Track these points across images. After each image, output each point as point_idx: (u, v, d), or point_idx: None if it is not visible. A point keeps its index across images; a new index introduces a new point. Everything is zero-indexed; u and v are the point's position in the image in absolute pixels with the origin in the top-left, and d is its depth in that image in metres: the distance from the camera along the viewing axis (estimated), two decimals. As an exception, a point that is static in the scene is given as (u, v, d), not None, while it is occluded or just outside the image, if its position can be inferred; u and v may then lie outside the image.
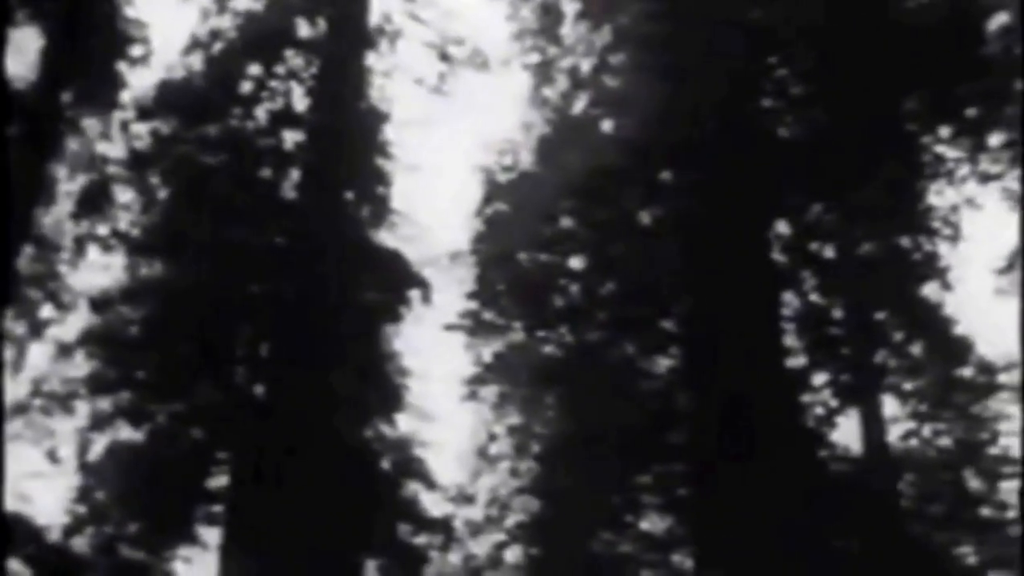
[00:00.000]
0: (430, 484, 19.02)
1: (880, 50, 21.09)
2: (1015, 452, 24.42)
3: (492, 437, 21.62)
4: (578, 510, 19.91)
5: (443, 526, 19.08)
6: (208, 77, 17.88)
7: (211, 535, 17.06)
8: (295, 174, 18.57)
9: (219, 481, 17.20)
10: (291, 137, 18.86)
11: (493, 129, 22.24)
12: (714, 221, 19.72)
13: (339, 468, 17.73)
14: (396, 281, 18.22)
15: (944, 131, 22.83)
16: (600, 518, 20.23)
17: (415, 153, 20.11)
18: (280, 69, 18.67)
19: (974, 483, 24.12)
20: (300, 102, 19.26)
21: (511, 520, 20.95)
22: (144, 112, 17.59)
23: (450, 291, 20.26)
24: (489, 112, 22.77)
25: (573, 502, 19.88)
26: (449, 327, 20.63)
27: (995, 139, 23.94)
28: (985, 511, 23.85)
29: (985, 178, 24.37)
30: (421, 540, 18.82)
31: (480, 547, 20.66)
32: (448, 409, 20.75)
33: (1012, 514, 24.55)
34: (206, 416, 16.59)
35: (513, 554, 20.75)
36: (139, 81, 17.82)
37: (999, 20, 22.47)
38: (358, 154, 18.79)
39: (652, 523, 20.79)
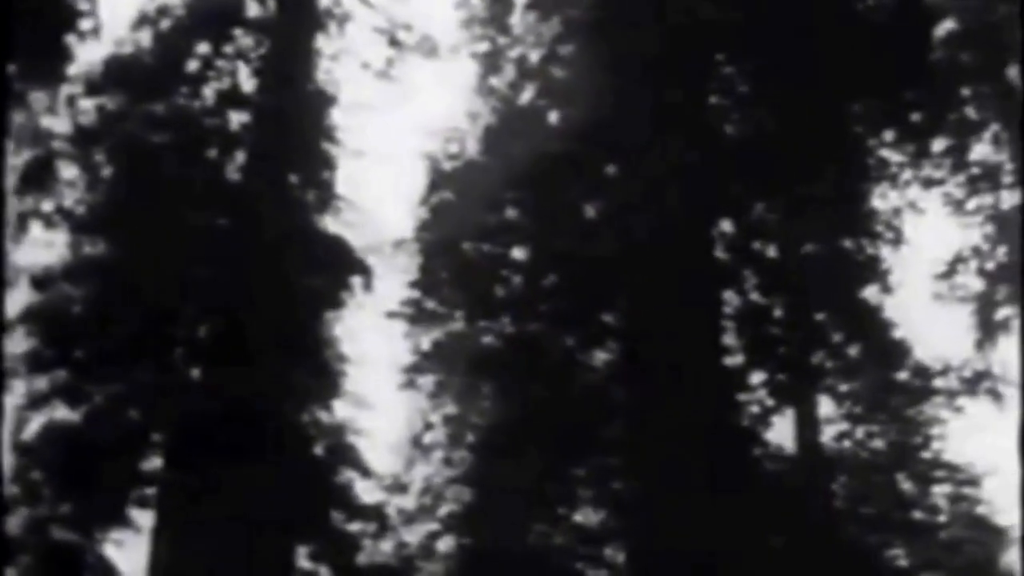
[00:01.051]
0: (364, 472, 19.39)
1: (828, 51, 22.00)
2: (947, 456, 25.13)
3: (428, 426, 22.28)
4: (512, 501, 20.47)
5: (376, 514, 19.58)
6: (156, 54, 18.42)
7: (144, 518, 17.64)
8: (241, 155, 18.99)
9: (153, 463, 17.80)
10: (237, 118, 19.22)
11: (440, 117, 22.87)
12: (658, 216, 20.58)
13: (273, 453, 18.36)
14: (338, 267, 18.80)
15: (889, 135, 23.89)
16: (534, 510, 20.89)
17: (361, 138, 20.50)
18: (228, 48, 19.02)
19: (906, 486, 25.06)
20: (247, 82, 19.59)
21: (444, 510, 21.67)
22: (91, 87, 17.99)
23: (392, 279, 20.79)
24: (436, 100, 23.44)
25: (507, 493, 20.44)
26: (390, 314, 21.34)
27: (938, 145, 25.10)
28: (917, 514, 24.84)
29: (928, 183, 25.36)
30: (354, 527, 19.24)
31: (413, 536, 21.26)
32: (385, 397, 21.37)
33: (943, 518, 25.75)
34: (143, 398, 17.17)
35: (446, 544, 21.48)
36: (87, 55, 18.37)
37: (945, 27, 23.74)
38: (304, 137, 19.32)
39: (586, 516, 21.47)
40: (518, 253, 22.10)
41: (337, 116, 20.60)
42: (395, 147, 21.32)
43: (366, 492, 19.61)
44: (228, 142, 18.62)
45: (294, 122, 19.47)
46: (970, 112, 24.85)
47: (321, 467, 18.92)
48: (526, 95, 23.07)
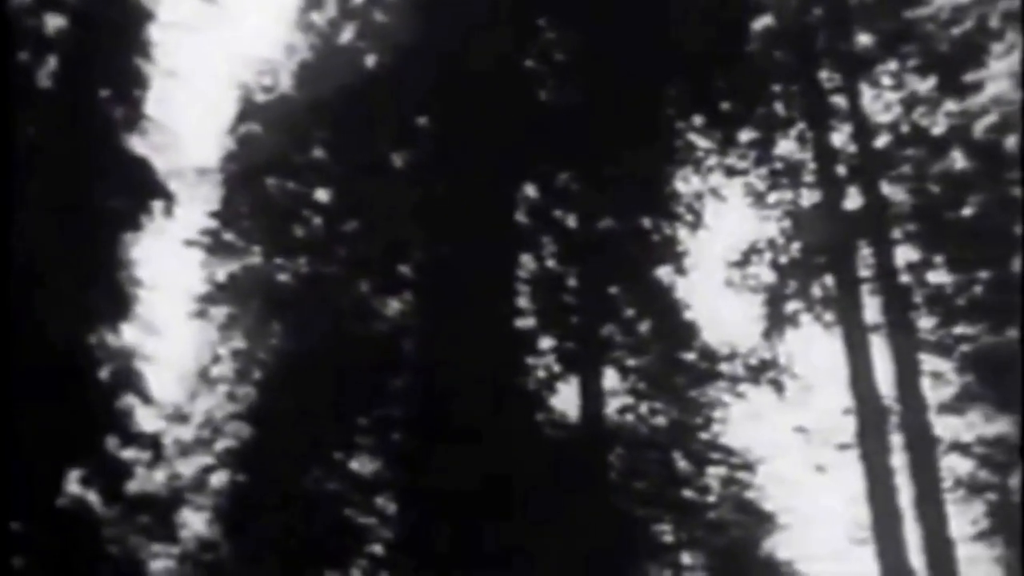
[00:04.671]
0: (146, 399, 21.02)
1: (648, 29, 24.11)
2: (725, 440, 27.69)
3: (215, 358, 23.46)
4: (290, 443, 22.04)
5: (152, 443, 21.10)
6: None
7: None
8: (53, 62, 20.08)
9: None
10: (54, 22, 20.17)
11: (257, 46, 24.71)
12: (463, 172, 22.37)
13: (53, 373, 19.38)
14: (140, 189, 20.61)
15: (698, 120, 26.49)
16: (311, 453, 22.41)
17: (175, 58, 21.67)
18: (50, -48, 20.50)
19: (682, 465, 27.42)
20: (67, -13, 20.23)
21: (222, 444, 22.87)
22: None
23: (194, 206, 22.39)
24: (255, 28, 25.16)
25: (286, 434, 22.03)
26: (188, 243, 22.88)
27: (745, 136, 27.68)
28: (688, 493, 27.30)
29: (731, 172, 28.06)
30: (128, 454, 20.75)
31: (187, 468, 22.46)
32: (176, 325, 22.81)
33: (713, 499, 28.49)
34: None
35: (219, 479, 22.63)
36: None
37: (763, 22, 27.02)
38: (118, 51, 20.92)
39: (362, 464, 23.07)
40: (321, 194, 23.78)
41: (153, 32, 21.75)
42: (209, 72, 23.08)
43: (146, 419, 21.17)
44: (42, 46, 19.87)
45: (109, 33, 20.82)
46: (779, 108, 27.80)
47: (102, 391, 20.32)
48: (345, 35, 24.60)
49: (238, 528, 22.25)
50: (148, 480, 21.57)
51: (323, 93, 23.92)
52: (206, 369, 23.59)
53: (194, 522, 22.52)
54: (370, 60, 24.23)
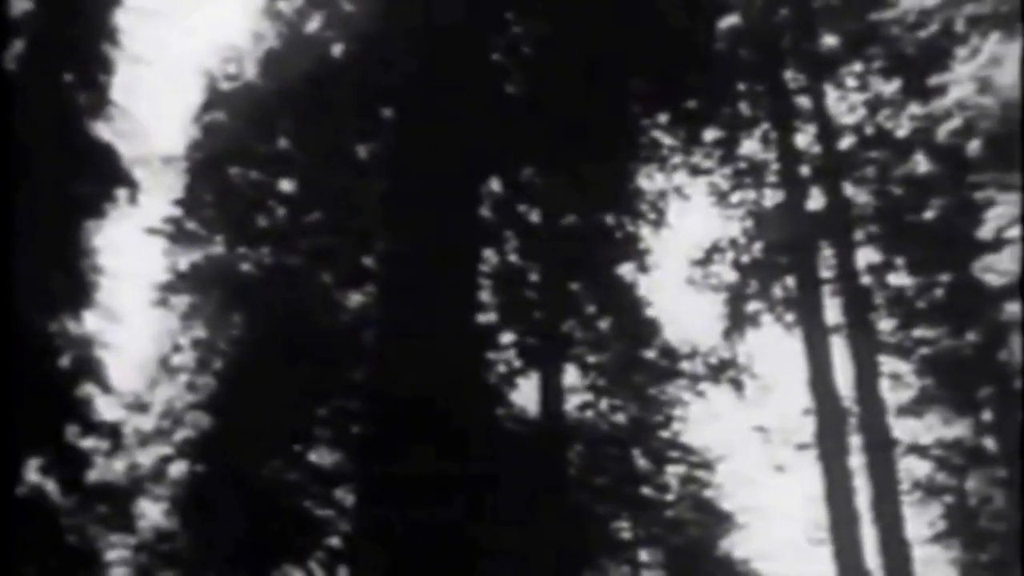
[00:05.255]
0: (106, 387, 21.20)
1: (616, 25, 24.64)
2: (684, 438, 28.25)
3: (176, 347, 23.56)
4: (249, 434, 22.17)
5: (112, 432, 21.32)
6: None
7: None
8: (19, 45, 20.16)
9: None
10: (20, 5, 20.20)
11: (224, 34, 24.94)
12: (427, 165, 22.78)
13: (12, 359, 20.24)
14: (105, 176, 20.95)
15: (663, 118, 26.74)
16: (271, 444, 22.50)
17: (142, 45, 21.77)
18: (18, -65, 20.71)
19: (641, 462, 27.88)
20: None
21: (182, 434, 22.98)
22: None
23: (158, 194, 22.45)
24: (223, 15, 25.47)
25: (246, 425, 22.15)
26: (151, 231, 22.93)
27: (710, 135, 28.25)
28: (647, 490, 27.79)
29: (696, 171, 28.59)
30: (88, 443, 20.94)
31: (147, 457, 22.59)
32: (138, 313, 23.08)
33: (671, 497, 28.47)
34: None
35: (178, 469, 22.75)
36: None
37: (730, 21, 27.58)
38: (84, 35, 21.04)
39: (321, 456, 23.15)
40: (285, 184, 23.89)
41: (120, 18, 21.86)
42: (176, 59, 23.35)
43: (106, 408, 21.35)
44: (7, 28, 19.72)
45: (75, 18, 21.18)
46: (744, 108, 28.41)
47: (62, 378, 20.46)
48: (313, 24, 24.51)
49: (196, 519, 22.35)
50: (107, 469, 21.76)
51: (289, 82, 24.01)
52: (167, 358, 23.72)
53: (152, 512, 22.69)
54: (337, 50, 24.23)
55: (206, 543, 22.23)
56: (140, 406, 23.26)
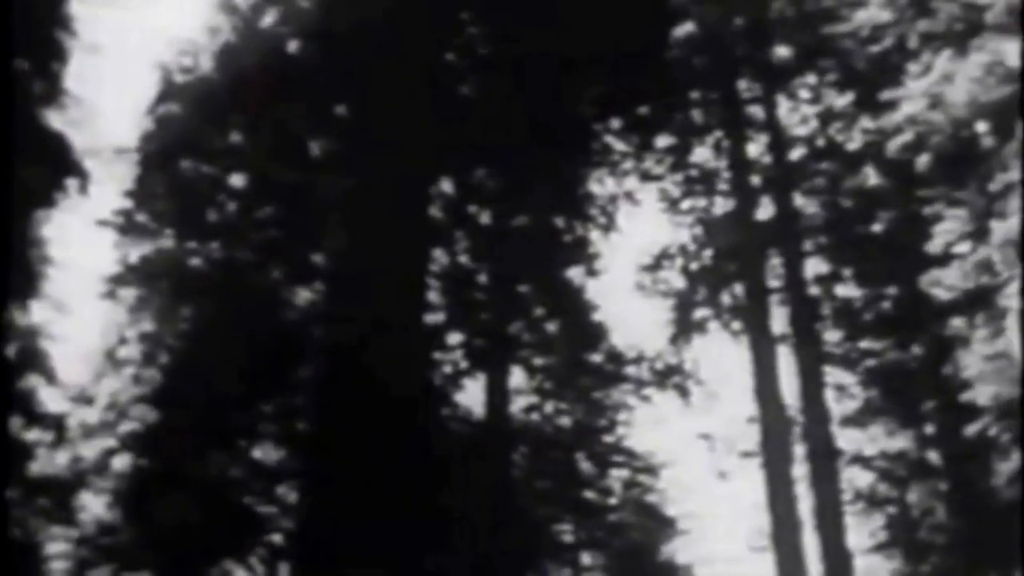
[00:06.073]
0: (51, 379, 21.23)
1: (571, 29, 24.63)
2: (628, 443, 28.83)
3: (123, 340, 23.49)
4: (194, 428, 22.31)
5: (56, 424, 21.36)
6: None
7: None
8: None
9: None
10: None
11: (180, 25, 25.07)
12: (379, 164, 22.64)
13: None
14: (56, 165, 21.05)
15: (616, 123, 27.15)
16: (215, 439, 22.76)
17: (97, 33, 21.45)
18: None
19: (585, 466, 28.50)
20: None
21: (126, 427, 22.90)
22: None
23: (110, 186, 22.69)
24: (179, 8, 25.58)
25: (190, 419, 22.30)
26: (101, 222, 23.18)
27: (662, 141, 28.73)
28: (590, 494, 28.38)
29: (646, 176, 29.09)
30: (31, 435, 20.94)
31: (90, 451, 22.50)
32: (85, 305, 22.95)
33: (614, 501, 28.77)
34: None
35: (121, 462, 22.71)
36: None
37: (685, 29, 28.14)
38: (38, 22, 20.40)
39: (265, 452, 23.43)
40: (237, 180, 24.13)
41: (75, 5, 21.53)
42: (131, 49, 23.49)
43: (51, 400, 21.38)
44: None
45: (29, 4, 20.45)
46: (696, 115, 29.03)
47: (6, 369, 20.10)
48: (268, 19, 24.86)
49: (138, 513, 22.45)
50: (50, 462, 21.81)
51: (243, 76, 24.21)
52: (113, 351, 23.73)
53: (94, 505, 22.71)
54: (291, 46, 24.57)
55: (147, 538, 22.31)
56: (85, 398, 23.24)
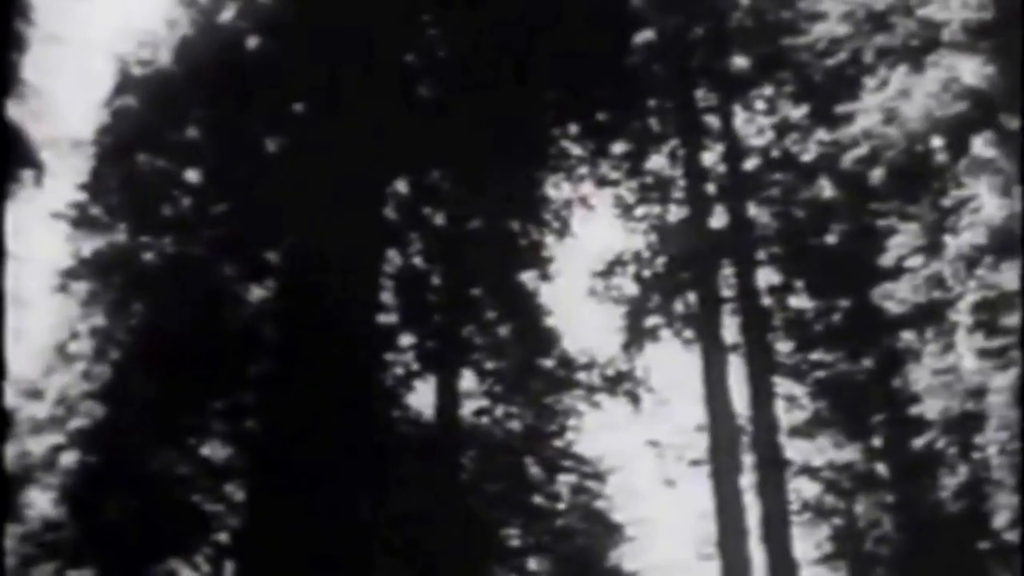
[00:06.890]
0: (0, 372, 22.03)
1: (532, 33, 25.25)
2: (577, 448, 29.28)
3: (74, 335, 23.64)
4: (143, 425, 22.66)
5: (4, 418, 20.29)
6: None
7: None
8: None
9: None
10: None
11: (139, 17, 25.13)
12: (335, 163, 23.02)
13: None
14: (11, 156, 21.32)
15: (573, 128, 27.63)
16: (164, 436, 23.01)
17: (57, 24, 21.46)
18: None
19: (534, 470, 28.86)
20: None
21: (75, 423, 23.01)
22: None
23: (65, 178, 22.76)
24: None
25: (140, 416, 22.62)
26: (55, 215, 23.34)
27: (618, 148, 29.16)
28: (538, 499, 28.82)
29: (603, 182, 29.51)
30: None
31: (38, 446, 22.80)
32: (37, 298, 22.43)
33: (562, 506, 29.20)
34: None
35: (69, 458, 22.83)
36: None
37: (645, 36, 28.55)
38: None
39: (214, 450, 23.61)
40: (192, 174, 24.35)
41: None
42: (90, 40, 23.54)
43: None
44: None
45: None
46: (653, 123, 29.41)
47: None
48: (227, 14, 25.00)
49: (85, 509, 22.65)
50: (-4, 457, 21.95)
51: (201, 71, 24.48)
52: (64, 345, 23.89)
53: (40, 501, 22.85)
54: (251, 41, 24.78)
55: (93, 535, 22.53)
56: (34, 393, 23.43)
